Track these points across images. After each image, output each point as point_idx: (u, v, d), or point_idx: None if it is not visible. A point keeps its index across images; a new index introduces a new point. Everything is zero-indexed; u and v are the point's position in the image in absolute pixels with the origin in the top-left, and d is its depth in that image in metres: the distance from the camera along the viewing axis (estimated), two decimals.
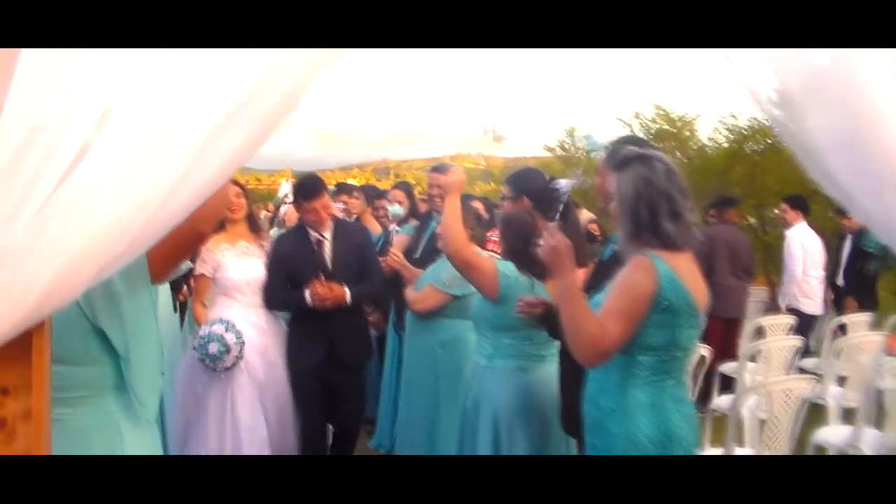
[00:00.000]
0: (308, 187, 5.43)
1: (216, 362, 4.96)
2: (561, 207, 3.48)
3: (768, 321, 7.93)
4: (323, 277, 5.22)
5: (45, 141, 1.46)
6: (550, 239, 2.99)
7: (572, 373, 3.32)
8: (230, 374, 5.11)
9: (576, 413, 3.24)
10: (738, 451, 4.86)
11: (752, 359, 6.58)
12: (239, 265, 5.34)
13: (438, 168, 5.95)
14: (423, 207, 7.41)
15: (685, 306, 2.91)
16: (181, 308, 6.61)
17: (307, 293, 5.17)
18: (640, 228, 2.97)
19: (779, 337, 7.10)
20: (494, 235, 5.23)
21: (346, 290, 5.24)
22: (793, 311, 8.54)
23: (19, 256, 1.48)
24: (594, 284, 3.33)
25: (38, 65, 1.47)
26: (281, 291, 5.36)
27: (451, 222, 4.14)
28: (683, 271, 2.93)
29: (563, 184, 3.60)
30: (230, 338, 4.97)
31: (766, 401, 4.83)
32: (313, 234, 5.37)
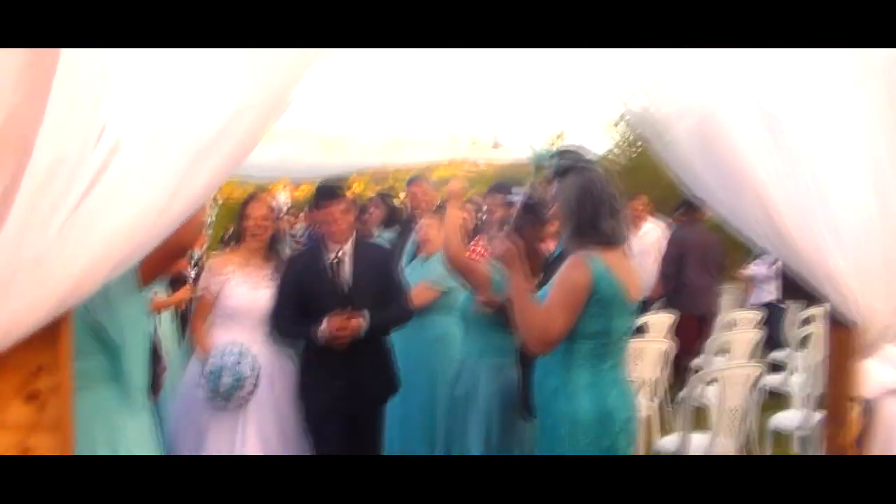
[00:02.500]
0: (322, 191, 4.91)
1: (229, 399, 4.41)
2: (517, 214, 3.85)
3: (738, 315, 8.36)
4: (340, 310, 4.57)
5: (66, 168, 1.88)
6: (503, 243, 3.42)
7: (527, 361, 3.74)
8: (239, 409, 4.55)
9: (529, 396, 3.66)
10: (697, 437, 5.23)
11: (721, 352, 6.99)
12: (245, 290, 4.77)
13: (414, 180, 6.32)
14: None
15: (618, 299, 3.33)
16: (182, 320, 6.55)
17: (324, 326, 4.51)
18: (582, 228, 3.38)
19: (741, 329, 7.50)
20: (480, 242, 5.53)
21: (362, 320, 4.57)
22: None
23: (51, 258, 1.89)
24: (543, 281, 3.74)
25: (64, 101, 1.88)
26: (291, 320, 4.72)
27: (451, 230, 4.35)
28: (617, 267, 3.35)
29: (516, 194, 3.97)
30: (245, 368, 4.42)
31: (720, 387, 5.21)
32: (330, 253, 4.76)
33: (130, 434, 2.89)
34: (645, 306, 8.65)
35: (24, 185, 1.84)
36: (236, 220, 4.94)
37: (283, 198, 21.65)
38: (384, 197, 8.44)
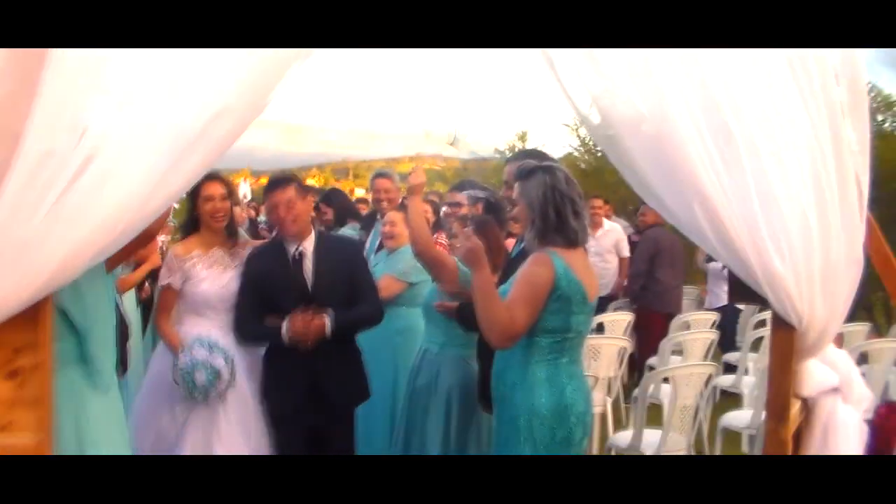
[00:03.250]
0: (271, 181, 4.65)
1: (208, 393, 4.18)
2: (480, 213, 3.97)
3: (694, 317, 8.55)
4: (303, 308, 4.30)
5: (53, 160, 1.97)
6: (466, 241, 3.53)
7: (487, 356, 3.86)
8: (219, 401, 4.31)
9: (489, 389, 3.78)
10: (649, 433, 5.39)
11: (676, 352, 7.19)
12: (211, 277, 4.48)
13: (381, 174, 6.38)
14: (363, 210, 7.83)
15: (577, 296, 3.46)
16: (146, 306, 6.49)
17: (284, 327, 4.24)
18: (547, 228, 3.51)
19: (696, 330, 7.69)
20: (440, 237, 5.62)
21: (327, 319, 4.28)
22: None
23: (36, 245, 1.99)
24: (504, 278, 3.86)
25: (52, 96, 1.97)
26: (254, 321, 4.42)
27: (417, 223, 4.38)
28: (577, 266, 3.48)
29: (468, 196, 4.09)
30: (218, 361, 4.19)
31: (673, 386, 5.37)
32: (291, 248, 4.46)
33: (98, 413, 2.98)
34: (604, 304, 8.86)
35: (12, 175, 1.94)
36: (190, 205, 4.58)
37: (244, 188, 21.58)
38: (332, 196, 8.30)
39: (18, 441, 2.16)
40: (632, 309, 8.56)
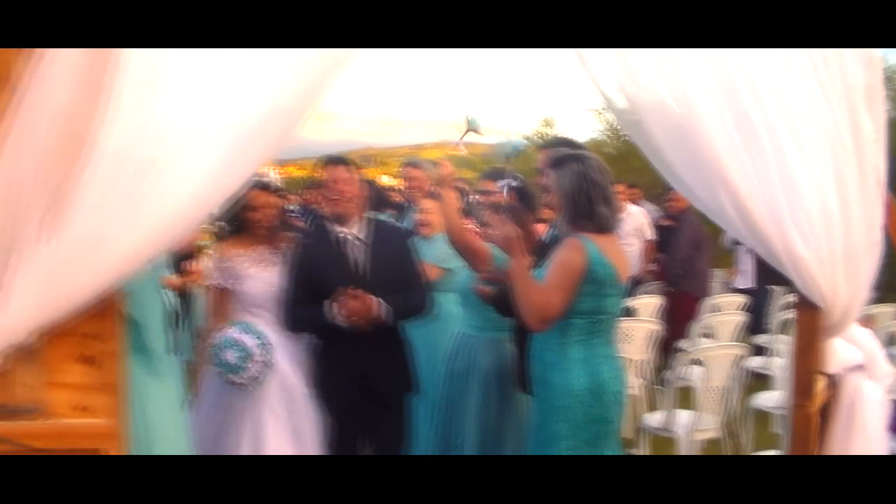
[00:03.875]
0: (326, 159, 4.50)
1: (238, 373, 4.03)
2: (512, 200, 4.10)
3: (724, 300, 8.66)
4: (351, 288, 4.14)
5: (123, 161, 2.13)
6: (503, 229, 3.67)
7: (523, 339, 4.00)
8: (261, 387, 4.19)
9: (525, 371, 3.93)
10: (682, 413, 5.52)
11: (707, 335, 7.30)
12: (259, 275, 4.43)
13: (411, 163, 6.51)
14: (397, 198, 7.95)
15: (609, 279, 3.60)
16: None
17: (333, 306, 4.12)
18: (578, 214, 3.64)
19: (726, 313, 7.79)
20: (471, 224, 5.73)
21: (380, 302, 4.17)
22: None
23: (107, 241, 2.15)
24: (538, 263, 4.00)
25: (120, 100, 2.13)
26: (302, 308, 4.29)
27: (450, 212, 4.40)
28: (608, 250, 3.62)
29: (500, 184, 4.21)
30: (249, 340, 4.06)
31: (705, 368, 5.50)
32: (335, 231, 4.35)
33: (159, 397, 3.18)
34: (635, 288, 8.98)
35: (85, 176, 2.10)
36: (239, 210, 4.44)
37: (272, 176, 21.86)
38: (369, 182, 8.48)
39: (94, 423, 2.32)
40: (663, 292, 8.66)
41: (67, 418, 2.30)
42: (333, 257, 4.29)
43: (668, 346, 8.53)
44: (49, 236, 2.07)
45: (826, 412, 2.88)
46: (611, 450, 3.79)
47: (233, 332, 4.08)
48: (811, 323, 2.69)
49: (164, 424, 3.21)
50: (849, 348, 2.83)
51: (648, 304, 8.04)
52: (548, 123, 21.14)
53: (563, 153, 3.75)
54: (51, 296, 2.14)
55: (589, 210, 3.62)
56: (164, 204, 2.21)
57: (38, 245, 2.07)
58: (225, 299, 4.49)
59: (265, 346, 4.09)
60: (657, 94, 2.52)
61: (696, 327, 7.22)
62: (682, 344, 7.66)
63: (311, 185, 13.48)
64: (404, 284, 4.35)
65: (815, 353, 2.71)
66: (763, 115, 2.43)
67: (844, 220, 2.55)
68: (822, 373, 2.81)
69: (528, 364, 3.84)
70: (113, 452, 2.30)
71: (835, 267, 2.56)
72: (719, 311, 8.09)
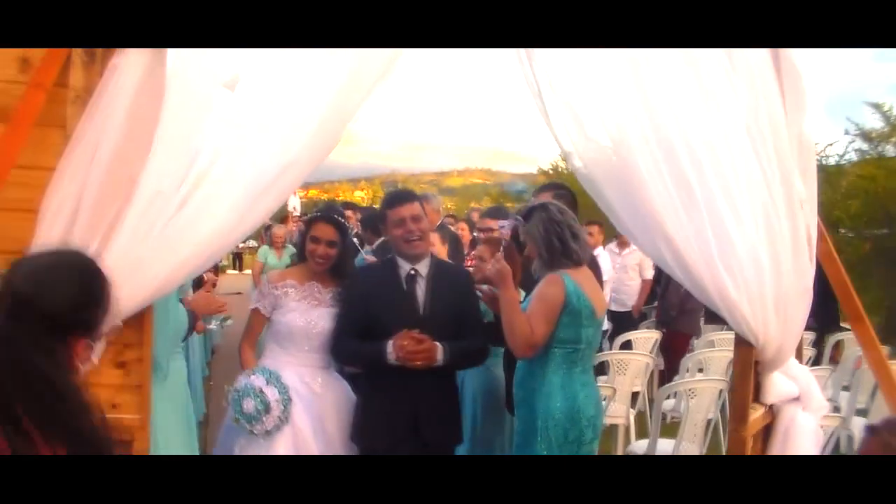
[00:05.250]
0: (395, 194, 4.37)
1: (252, 423, 3.89)
2: (505, 241, 4.44)
3: (716, 336, 8.98)
4: (410, 330, 3.97)
5: (164, 195, 2.57)
6: (496, 265, 4.07)
7: (511, 365, 4.39)
8: (272, 440, 3.99)
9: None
10: (663, 442, 5.86)
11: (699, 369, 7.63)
12: (300, 309, 4.24)
13: (424, 198, 6.84)
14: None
15: (586, 310, 3.98)
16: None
17: (390, 345, 3.93)
18: (554, 254, 4.03)
19: (715, 349, 8.12)
20: (473, 255, 6.03)
21: (440, 347, 3.98)
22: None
23: (146, 264, 2.59)
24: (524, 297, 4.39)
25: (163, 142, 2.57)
26: (354, 340, 4.13)
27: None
28: (584, 284, 4.02)
29: (504, 224, 4.53)
30: (271, 393, 3.90)
31: (688, 399, 5.84)
32: (405, 268, 4.18)
33: (160, 397, 3.49)
34: (628, 323, 9.37)
35: (130, 209, 2.54)
36: (300, 237, 4.49)
37: (294, 201, 22.15)
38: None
39: (125, 418, 2.74)
40: (660, 329, 9.01)
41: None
42: (400, 294, 4.12)
43: (664, 380, 8.91)
44: (99, 260, 2.50)
45: (765, 439, 3.27)
46: None
47: (257, 381, 3.93)
48: (746, 358, 3.08)
49: (163, 424, 3.50)
50: (786, 382, 3.21)
51: (646, 339, 8.39)
52: (565, 157, 21.46)
53: (527, 208, 4.13)
54: None
55: (563, 248, 4.01)
56: (196, 234, 2.64)
57: None
58: (258, 324, 4.38)
59: (286, 401, 3.94)
60: (602, 148, 2.94)
61: (687, 361, 7.54)
62: (674, 377, 8.01)
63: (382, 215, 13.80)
64: (465, 328, 4.18)
65: (748, 384, 3.09)
66: (699, 176, 2.82)
67: (775, 269, 2.93)
68: (762, 403, 3.19)
69: (513, 388, 4.22)
70: (139, 443, 2.72)
71: (766, 310, 2.94)
72: (714, 345, 8.40)
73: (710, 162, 2.83)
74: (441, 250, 5.57)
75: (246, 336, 4.41)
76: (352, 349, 4.17)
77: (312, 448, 4.06)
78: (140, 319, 2.72)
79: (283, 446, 3.96)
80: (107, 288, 1.95)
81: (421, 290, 4.14)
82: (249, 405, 3.84)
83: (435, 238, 5.67)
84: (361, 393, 4.23)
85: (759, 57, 2.89)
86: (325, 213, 4.36)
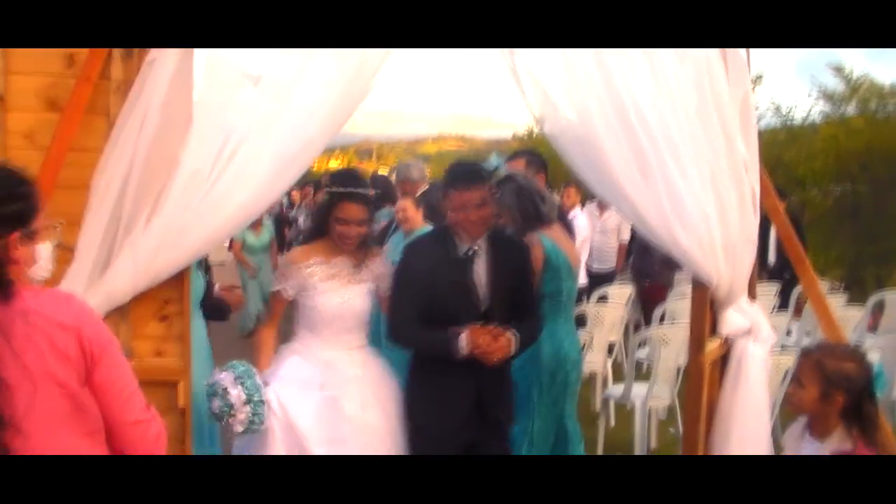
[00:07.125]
0: (460, 172, 3.95)
1: (220, 422, 3.63)
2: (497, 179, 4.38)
3: (688, 286, 9.46)
4: (483, 322, 3.74)
5: (201, 172, 3.00)
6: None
7: None
8: (266, 439, 3.70)
9: None
10: (638, 386, 6.31)
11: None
12: (330, 289, 3.88)
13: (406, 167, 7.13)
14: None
15: (564, 265, 4.44)
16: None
17: (463, 339, 3.65)
18: (528, 219, 4.44)
19: (684, 297, 8.58)
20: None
21: (513, 337, 3.75)
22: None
23: (188, 230, 3.03)
24: None
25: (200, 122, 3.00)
26: (416, 325, 3.83)
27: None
28: (559, 240, 4.48)
29: (493, 160, 4.65)
30: (236, 395, 3.51)
31: (661, 346, 6.28)
32: (463, 245, 3.88)
33: None
34: (611, 278, 9.84)
35: (172, 185, 2.97)
36: (321, 214, 4.02)
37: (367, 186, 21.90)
38: (376, 181, 7.86)
39: (169, 363, 3.19)
40: (638, 282, 9.55)
41: (149, 358, 3.17)
42: (454, 272, 3.84)
43: (637, 329, 9.40)
44: (147, 227, 2.94)
45: (720, 366, 3.75)
46: (570, 406, 4.68)
47: (223, 380, 3.55)
48: (702, 296, 3.57)
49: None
50: (738, 317, 3.67)
51: (621, 292, 8.89)
52: (539, 122, 21.76)
53: (500, 176, 4.37)
54: (144, 270, 3.01)
55: (536, 211, 4.43)
56: (228, 205, 3.07)
57: (141, 234, 2.94)
58: (282, 308, 4.02)
59: (257, 404, 3.55)
60: (569, 122, 3.39)
61: (657, 311, 7.96)
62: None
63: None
64: (521, 306, 3.96)
65: (705, 318, 3.58)
66: (652, 145, 3.27)
67: (722, 221, 3.39)
68: (717, 335, 3.67)
69: None
70: (184, 383, 3.16)
71: (716, 256, 3.41)
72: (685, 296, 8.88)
73: (663, 134, 3.25)
74: (416, 216, 5.77)
75: (266, 319, 4.16)
76: (418, 338, 3.88)
77: (348, 436, 3.71)
78: (180, 279, 3.14)
79: (275, 447, 3.69)
80: (27, 185, 2.15)
81: (481, 269, 3.87)
82: (215, 404, 3.52)
83: (407, 203, 5.94)
84: (415, 371, 3.98)
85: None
86: (351, 191, 3.88)
